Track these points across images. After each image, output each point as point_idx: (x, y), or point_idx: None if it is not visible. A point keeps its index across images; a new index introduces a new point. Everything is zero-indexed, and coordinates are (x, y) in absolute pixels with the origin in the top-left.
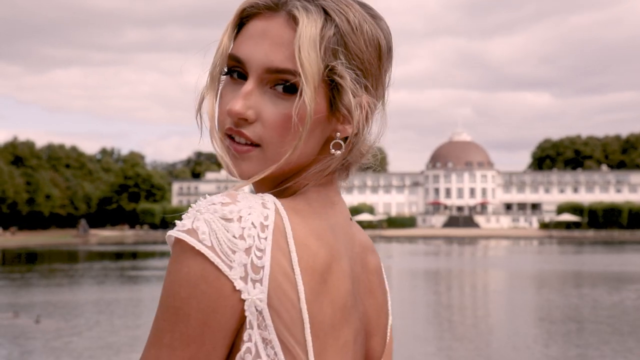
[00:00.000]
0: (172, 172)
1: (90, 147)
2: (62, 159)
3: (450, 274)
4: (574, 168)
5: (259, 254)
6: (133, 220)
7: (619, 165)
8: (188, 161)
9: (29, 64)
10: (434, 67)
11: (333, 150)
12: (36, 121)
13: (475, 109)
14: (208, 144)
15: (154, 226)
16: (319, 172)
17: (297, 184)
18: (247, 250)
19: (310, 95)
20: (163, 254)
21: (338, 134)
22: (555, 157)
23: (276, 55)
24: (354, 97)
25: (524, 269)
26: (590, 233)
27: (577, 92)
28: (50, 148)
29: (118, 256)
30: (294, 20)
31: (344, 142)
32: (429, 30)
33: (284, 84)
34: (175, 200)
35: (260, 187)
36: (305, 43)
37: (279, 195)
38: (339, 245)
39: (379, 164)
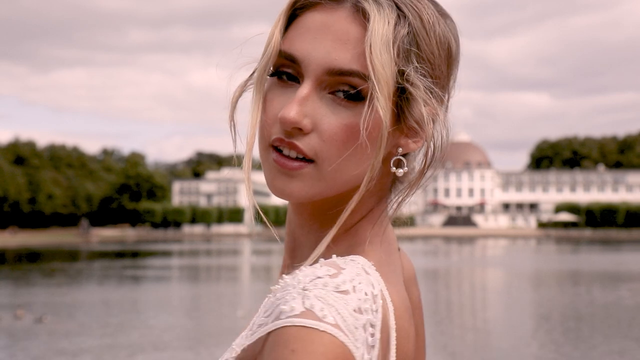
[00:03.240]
0: (173, 171)
1: (94, 147)
2: (64, 159)
3: (449, 273)
4: (571, 168)
5: (371, 330)
6: (134, 219)
7: (616, 165)
8: (189, 161)
9: (34, 65)
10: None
11: (394, 168)
12: (41, 121)
13: (475, 109)
14: (230, 146)
15: (155, 225)
16: (384, 197)
17: (355, 216)
18: (364, 327)
19: (384, 103)
20: (164, 253)
21: (400, 149)
22: (553, 157)
23: (340, 53)
24: (426, 107)
25: (522, 268)
26: (588, 232)
27: (576, 93)
28: (52, 148)
29: (119, 255)
30: (362, 14)
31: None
32: None
33: (347, 89)
34: (176, 200)
35: (309, 212)
36: (377, 42)
37: (325, 226)
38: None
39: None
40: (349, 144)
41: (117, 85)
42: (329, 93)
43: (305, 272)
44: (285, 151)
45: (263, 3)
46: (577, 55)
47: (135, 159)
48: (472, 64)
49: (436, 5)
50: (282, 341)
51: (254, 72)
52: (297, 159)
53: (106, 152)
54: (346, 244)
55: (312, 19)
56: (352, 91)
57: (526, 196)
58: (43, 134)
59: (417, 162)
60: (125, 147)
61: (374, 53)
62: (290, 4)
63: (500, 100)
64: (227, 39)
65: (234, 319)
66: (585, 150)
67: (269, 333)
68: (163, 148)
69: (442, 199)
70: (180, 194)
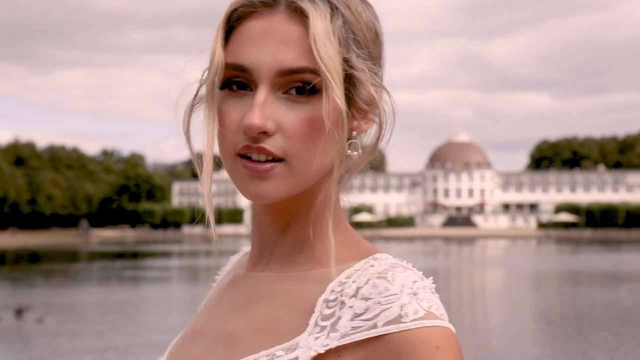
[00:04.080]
0: (173, 172)
1: (94, 147)
2: (64, 160)
3: (449, 273)
4: (571, 168)
5: None
6: (134, 220)
7: (616, 166)
8: (189, 162)
9: (34, 65)
10: (435, 68)
11: (349, 151)
12: (40, 122)
13: (475, 109)
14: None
15: (154, 226)
16: (347, 181)
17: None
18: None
19: (339, 92)
20: (164, 254)
21: (354, 132)
22: (553, 157)
23: (287, 54)
24: (373, 87)
25: (522, 268)
26: (588, 233)
27: (576, 93)
28: (51, 149)
29: (119, 256)
30: (299, 14)
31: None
32: (430, 31)
33: (301, 85)
34: (175, 201)
35: (282, 210)
36: (320, 36)
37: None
38: None
39: (379, 165)
40: (313, 136)
41: (117, 85)
42: (283, 93)
43: (401, 277)
44: (254, 156)
45: None
46: (577, 55)
47: (135, 160)
48: (472, 64)
49: None
50: (420, 341)
51: (197, 93)
52: (266, 161)
53: (106, 153)
54: (342, 238)
55: (251, 28)
56: (307, 87)
57: (526, 196)
58: (43, 135)
59: (366, 140)
60: (125, 147)
61: (320, 46)
62: (226, 17)
63: (500, 101)
64: None
65: None
66: (585, 150)
67: (383, 335)
68: (163, 149)
69: (441, 199)
70: (180, 195)
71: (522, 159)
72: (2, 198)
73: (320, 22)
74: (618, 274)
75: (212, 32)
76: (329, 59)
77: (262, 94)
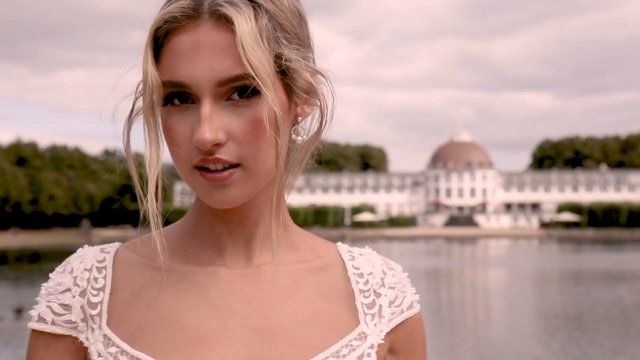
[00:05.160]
0: (175, 172)
1: (95, 147)
2: (65, 160)
3: (451, 273)
4: (573, 168)
5: None
6: (136, 220)
7: (618, 165)
8: None
9: (35, 65)
10: (437, 67)
11: (294, 136)
12: (42, 122)
13: (477, 109)
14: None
15: None
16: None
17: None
18: None
19: (271, 95)
20: None
21: (299, 118)
22: (555, 157)
23: (221, 64)
24: (309, 73)
25: (524, 268)
26: (590, 232)
27: (577, 92)
28: (53, 149)
29: None
30: (224, 20)
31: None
32: (432, 31)
33: (240, 89)
34: (177, 200)
35: (263, 203)
36: (247, 41)
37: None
38: None
39: (380, 164)
40: (261, 136)
41: (118, 86)
42: (226, 100)
43: (394, 264)
44: (212, 167)
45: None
46: (578, 55)
47: (137, 160)
48: (473, 63)
49: None
50: (421, 320)
51: (131, 113)
52: (224, 169)
53: (107, 153)
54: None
55: (180, 42)
56: (248, 90)
57: (528, 196)
58: (44, 135)
59: (307, 123)
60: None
61: (248, 52)
62: (151, 36)
63: (502, 100)
64: None
65: None
66: (587, 150)
67: (406, 319)
68: (165, 149)
69: (443, 199)
70: (182, 195)
71: (524, 159)
72: (4, 198)
73: (245, 26)
74: (620, 274)
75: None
76: (260, 64)
77: (206, 107)
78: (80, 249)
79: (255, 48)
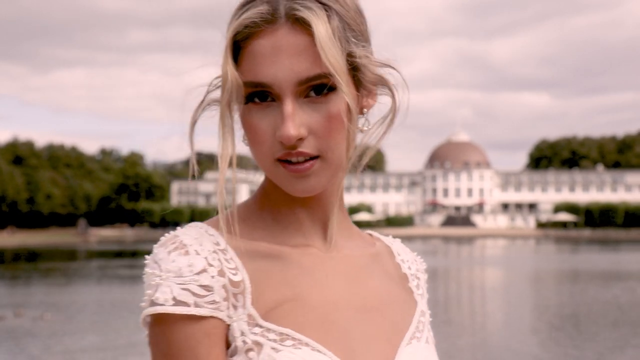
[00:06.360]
0: (172, 171)
1: (93, 147)
2: (62, 159)
3: (448, 273)
4: (570, 168)
5: None
6: (133, 219)
7: (615, 165)
8: (188, 161)
9: (34, 65)
10: (436, 68)
11: (360, 125)
12: (41, 121)
13: (475, 109)
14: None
15: (153, 225)
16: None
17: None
18: None
19: (347, 90)
20: None
21: (365, 110)
22: (552, 157)
23: (301, 65)
24: (377, 67)
25: (521, 268)
26: (587, 232)
27: (576, 93)
28: (50, 148)
29: (118, 255)
30: (300, 23)
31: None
32: (431, 31)
33: (317, 86)
34: (174, 200)
35: (335, 191)
36: (326, 42)
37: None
38: None
39: (378, 164)
40: (338, 129)
41: (117, 85)
42: (304, 97)
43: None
44: (294, 159)
45: None
46: (577, 55)
47: (134, 159)
48: (472, 64)
49: None
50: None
51: (203, 101)
52: (305, 161)
53: (105, 152)
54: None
55: (260, 46)
56: (325, 88)
57: (525, 196)
58: (42, 134)
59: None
60: (124, 147)
61: (327, 52)
62: (230, 40)
63: (500, 101)
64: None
65: None
66: (584, 150)
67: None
68: (162, 148)
69: (440, 199)
70: (179, 194)
71: (521, 159)
72: (0, 197)
73: (322, 28)
74: (616, 273)
75: (211, 32)
76: (336, 62)
77: (288, 105)
78: (178, 230)
79: (332, 48)
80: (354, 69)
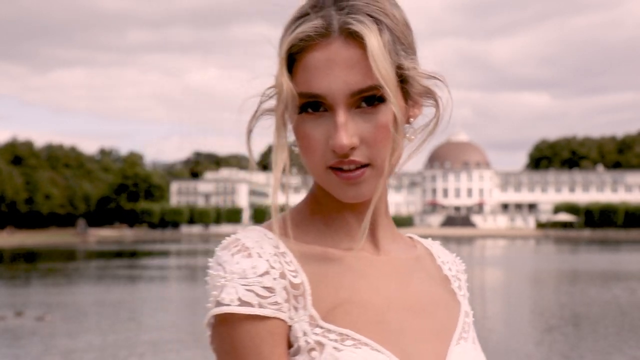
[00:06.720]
0: (171, 171)
1: (92, 147)
2: (62, 159)
3: None
4: (570, 168)
5: None
6: (132, 219)
7: (615, 166)
8: (187, 161)
9: (34, 65)
10: (436, 68)
11: (408, 135)
12: (40, 121)
13: (475, 109)
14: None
15: (152, 225)
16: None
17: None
18: None
19: (395, 102)
20: (162, 253)
21: (411, 120)
22: (552, 157)
23: (354, 77)
24: (424, 78)
25: (521, 268)
26: (587, 233)
27: (576, 93)
28: (49, 148)
29: (117, 255)
30: (353, 37)
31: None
32: (432, 31)
33: (367, 99)
34: (174, 200)
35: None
36: (378, 55)
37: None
38: None
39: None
40: (387, 138)
41: (116, 85)
42: (356, 108)
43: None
44: (345, 167)
45: (262, 3)
46: (577, 55)
47: (133, 159)
48: (472, 64)
49: None
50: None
51: (256, 111)
52: (357, 168)
53: (104, 152)
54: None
55: (314, 59)
56: (376, 99)
57: (525, 196)
58: (42, 134)
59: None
60: (123, 147)
61: (380, 65)
62: (285, 52)
63: (500, 101)
64: (226, 39)
65: None
66: (584, 150)
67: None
68: (161, 148)
69: (440, 199)
70: (178, 194)
71: (521, 159)
72: None
73: (374, 41)
74: (616, 274)
75: (210, 32)
76: (387, 74)
77: (341, 116)
78: (238, 233)
79: (383, 61)
80: (403, 81)
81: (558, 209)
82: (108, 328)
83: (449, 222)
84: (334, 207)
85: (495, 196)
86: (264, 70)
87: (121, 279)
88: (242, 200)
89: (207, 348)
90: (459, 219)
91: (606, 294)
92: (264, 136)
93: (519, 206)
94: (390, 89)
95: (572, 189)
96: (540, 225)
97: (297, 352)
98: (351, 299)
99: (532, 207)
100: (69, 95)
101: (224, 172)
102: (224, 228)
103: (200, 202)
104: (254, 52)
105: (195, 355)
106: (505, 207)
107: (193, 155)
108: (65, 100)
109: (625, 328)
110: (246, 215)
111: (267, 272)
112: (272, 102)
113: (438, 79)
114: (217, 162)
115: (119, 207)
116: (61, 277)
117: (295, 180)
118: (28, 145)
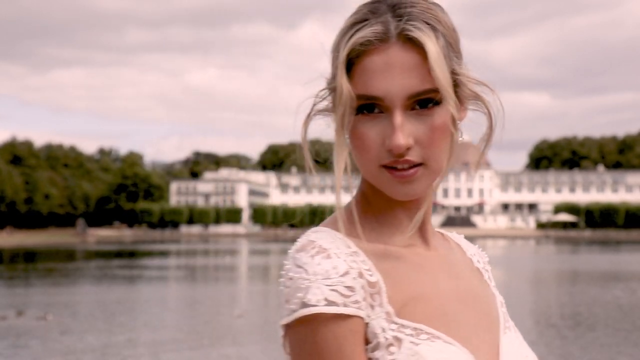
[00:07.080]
0: (171, 171)
1: (92, 147)
2: (61, 159)
3: None
4: (570, 168)
5: None
6: (131, 219)
7: (615, 166)
8: (186, 161)
9: (33, 65)
10: None
11: (460, 137)
12: (40, 121)
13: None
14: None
15: (152, 225)
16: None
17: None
18: None
19: (453, 104)
20: (161, 253)
21: (458, 122)
22: (552, 157)
23: (411, 81)
24: (472, 84)
25: (521, 268)
26: (587, 233)
27: (576, 93)
28: (48, 148)
29: (117, 255)
30: (411, 42)
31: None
32: None
33: (421, 101)
34: (173, 200)
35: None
36: (436, 60)
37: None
38: None
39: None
40: (440, 139)
41: (116, 85)
42: (411, 110)
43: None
44: (400, 166)
45: (262, 3)
46: (577, 55)
47: (133, 159)
48: (472, 64)
49: (432, 2)
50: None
51: (311, 112)
52: (410, 167)
53: (103, 152)
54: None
55: (373, 63)
56: (432, 102)
57: (525, 196)
58: (41, 134)
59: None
60: (123, 147)
61: (438, 70)
62: (345, 56)
63: (501, 101)
64: (226, 39)
65: (231, 318)
66: (585, 150)
67: None
68: (160, 148)
69: (440, 199)
70: (178, 194)
71: (521, 159)
72: None
73: (433, 47)
74: (617, 274)
75: (210, 32)
76: (444, 78)
77: (398, 117)
78: (310, 235)
79: (441, 66)
80: (455, 85)
81: (558, 209)
82: (108, 328)
83: (449, 222)
84: (384, 205)
85: (496, 196)
86: (321, 74)
87: (121, 279)
88: (242, 200)
89: (207, 348)
90: (459, 219)
91: (606, 295)
92: (264, 136)
93: (519, 206)
94: (447, 93)
95: (572, 189)
96: (541, 226)
97: (375, 348)
98: (418, 295)
99: (532, 207)
100: (69, 95)
101: (224, 172)
102: (224, 228)
103: (200, 202)
104: (254, 52)
105: (196, 355)
106: (505, 207)
107: (192, 155)
108: (65, 100)
109: (626, 328)
110: (246, 215)
111: (347, 272)
112: (325, 103)
113: (487, 86)
114: (216, 162)
115: (119, 207)
116: (61, 277)
117: (295, 180)
118: (27, 145)
